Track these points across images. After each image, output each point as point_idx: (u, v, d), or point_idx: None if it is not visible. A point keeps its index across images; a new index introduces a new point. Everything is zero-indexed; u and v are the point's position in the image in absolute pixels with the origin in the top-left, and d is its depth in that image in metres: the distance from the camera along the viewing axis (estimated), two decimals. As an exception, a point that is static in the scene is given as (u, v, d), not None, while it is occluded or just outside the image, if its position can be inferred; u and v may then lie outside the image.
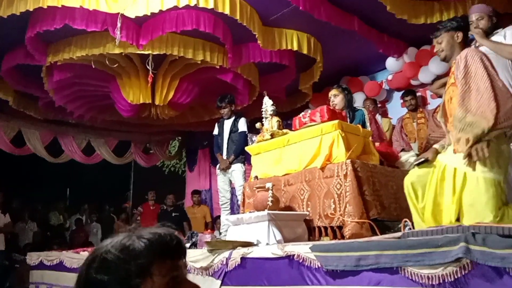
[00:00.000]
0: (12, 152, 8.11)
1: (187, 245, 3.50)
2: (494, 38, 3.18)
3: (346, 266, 2.05)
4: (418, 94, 6.21)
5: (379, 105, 6.62)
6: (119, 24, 4.53)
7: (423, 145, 5.20)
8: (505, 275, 1.56)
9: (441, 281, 1.71)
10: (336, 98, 4.30)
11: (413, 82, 6.17)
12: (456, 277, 1.68)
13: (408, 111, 5.60)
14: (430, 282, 1.74)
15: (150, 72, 5.40)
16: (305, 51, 5.42)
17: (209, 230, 5.00)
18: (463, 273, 1.66)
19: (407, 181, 2.62)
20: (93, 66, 5.49)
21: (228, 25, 5.01)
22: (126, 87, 5.84)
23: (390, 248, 1.92)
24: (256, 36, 4.88)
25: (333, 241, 2.67)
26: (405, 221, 2.30)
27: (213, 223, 7.56)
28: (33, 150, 8.13)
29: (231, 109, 5.45)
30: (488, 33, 3.19)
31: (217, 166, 5.49)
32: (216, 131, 5.56)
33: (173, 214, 7.74)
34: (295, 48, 5.36)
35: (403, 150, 5.12)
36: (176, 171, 13.49)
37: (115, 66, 5.49)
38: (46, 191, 11.48)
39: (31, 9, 4.42)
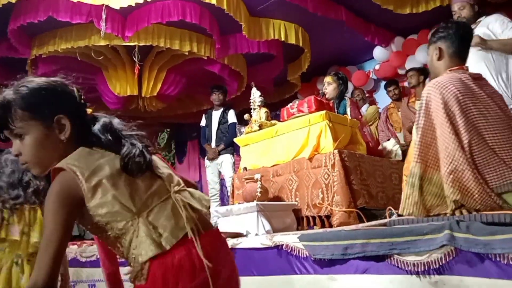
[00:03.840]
0: (-1, 147, 8.00)
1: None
2: (478, 29, 3.18)
3: (334, 255, 2.07)
4: (405, 83, 6.25)
5: (366, 95, 6.66)
6: (104, 16, 4.47)
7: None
8: (486, 261, 1.59)
9: (426, 268, 1.74)
10: (329, 86, 4.26)
11: (400, 71, 6.21)
12: (440, 263, 1.71)
13: (393, 101, 5.64)
14: (416, 269, 1.77)
15: (137, 64, 5.35)
16: (292, 41, 5.41)
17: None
18: (447, 260, 1.69)
19: None
20: (79, 59, 5.42)
21: (215, 16, 4.97)
22: (112, 79, 5.79)
23: (376, 236, 1.94)
24: (242, 26, 4.85)
25: (321, 230, 2.69)
26: (389, 209, 2.33)
27: (203, 215, 7.56)
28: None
29: (223, 99, 5.47)
30: (470, 22, 3.16)
31: (206, 157, 5.49)
32: (203, 123, 5.56)
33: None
34: (283, 38, 5.34)
35: (388, 139, 5.17)
36: (166, 163, 13.43)
37: (101, 58, 5.42)
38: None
39: (13, 1, 4.33)
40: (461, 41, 2.18)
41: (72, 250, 4.29)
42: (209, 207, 1.27)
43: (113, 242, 1.16)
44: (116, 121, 1.24)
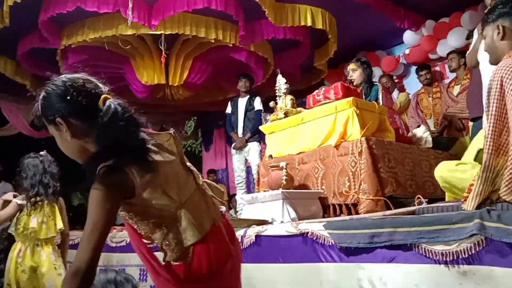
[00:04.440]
0: (32, 135, 8.25)
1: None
2: None
3: (360, 243, 2.05)
4: (437, 68, 6.07)
5: (396, 80, 6.50)
6: (130, 5, 4.50)
7: (439, 121, 5.09)
8: (519, 251, 1.54)
9: (455, 257, 1.70)
10: (354, 72, 4.18)
11: (431, 56, 6.03)
12: (470, 253, 1.66)
13: (423, 86, 5.49)
14: (444, 259, 1.73)
15: (163, 53, 5.39)
16: (319, 26, 5.31)
17: (225, 209, 5.06)
18: (477, 250, 1.65)
19: None
20: (107, 48, 5.50)
21: (240, 2, 4.94)
22: (140, 68, 5.85)
23: (404, 225, 1.91)
24: (266, 13, 4.79)
25: (347, 218, 2.67)
26: (418, 198, 2.27)
27: (229, 202, 7.63)
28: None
29: (250, 86, 5.48)
30: None
31: (232, 145, 5.51)
32: (229, 110, 5.59)
33: (190, 194, 7.83)
34: (309, 23, 5.25)
35: (418, 126, 5.04)
36: (193, 151, 13.59)
37: (128, 47, 5.49)
38: (66, 172, 11.73)
39: (43, -8, 4.43)
40: None
41: (103, 235, 4.41)
42: (228, 198, 1.46)
43: (151, 228, 1.28)
44: (120, 127, 1.21)
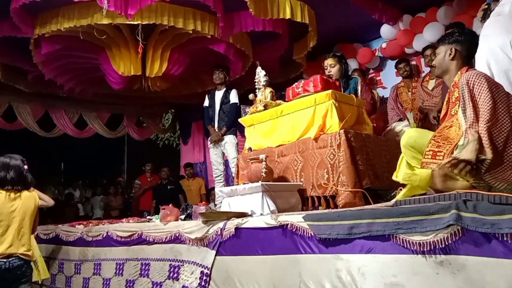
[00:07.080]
0: (4, 127, 8.03)
1: (182, 216, 3.51)
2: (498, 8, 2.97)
3: (339, 235, 2.07)
4: (413, 62, 6.16)
5: (372, 74, 6.57)
6: (106, -7, 4.39)
7: (418, 115, 5.17)
8: (493, 240, 1.58)
9: (432, 247, 1.73)
10: (332, 68, 4.18)
11: (407, 50, 6.11)
12: (446, 243, 1.70)
13: (403, 80, 5.55)
14: (421, 249, 1.76)
15: (140, 43, 5.28)
16: (298, 19, 5.30)
17: (203, 202, 5.03)
18: (453, 240, 1.68)
19: None
20: (81, 38, 5.36)
21: (219, -7, 4.89)
22: (116, 59, 5.73)
23: (382, 216, 1.93)
24: (248, 3, 4.75)
25: (326, 210, 2.69)
26: (400, 189, 2.31)
27: (208, 195, 7.60)
28: (25, 125, 8.04)
29: (225, 78, 5.45)
30: None
31: (209, 138, 5.48)
32: (206, 103, 5.55)
33: (169, 187, 7.77)
34: (288, 16, 5.23)
35: (400, 120, 5.09)
36: (170, 144, 13.49)
37: (104, 37, 5.36)
38: (40, 166, 11.45)
39: (14, -21, 4.28)
40: (473, 48, 2.38)
41: (79, 229, 4.33)
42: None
43: None
44: None
